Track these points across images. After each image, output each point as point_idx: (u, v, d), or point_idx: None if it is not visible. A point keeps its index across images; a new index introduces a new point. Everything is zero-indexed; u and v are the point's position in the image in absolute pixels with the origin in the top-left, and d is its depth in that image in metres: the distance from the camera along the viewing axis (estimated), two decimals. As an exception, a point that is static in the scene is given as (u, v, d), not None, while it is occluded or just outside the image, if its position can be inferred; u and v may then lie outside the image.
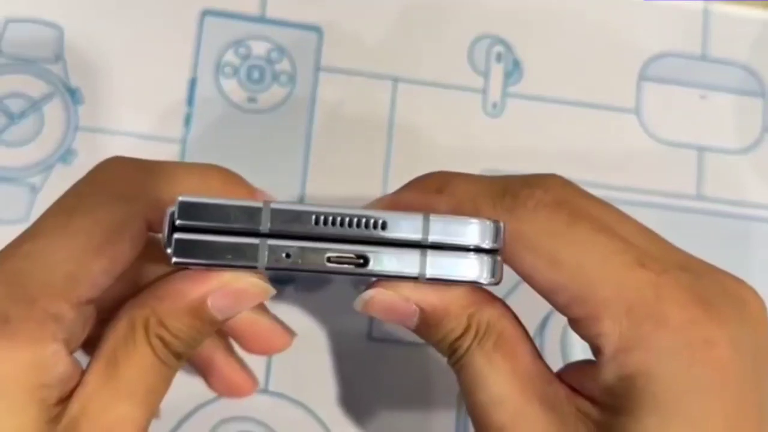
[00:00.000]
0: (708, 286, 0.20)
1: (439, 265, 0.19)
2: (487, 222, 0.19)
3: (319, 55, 0.34)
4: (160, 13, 0.33)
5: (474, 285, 0.20)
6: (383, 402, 0.32)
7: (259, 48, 0.33)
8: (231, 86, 0.33)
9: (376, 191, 0.33)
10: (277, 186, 0.33)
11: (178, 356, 0.21)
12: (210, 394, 0.31)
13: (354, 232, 0.19)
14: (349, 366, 0.32)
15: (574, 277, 0.19)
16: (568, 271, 0.19)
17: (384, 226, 0.19)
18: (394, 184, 0.33)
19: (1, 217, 0.31)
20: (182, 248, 0.18)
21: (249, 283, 0.21)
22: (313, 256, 0.19)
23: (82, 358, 0.21)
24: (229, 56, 0.33)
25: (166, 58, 0.33)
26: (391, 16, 0.34)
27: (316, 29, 0.34)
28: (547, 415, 0.20)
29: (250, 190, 0.24)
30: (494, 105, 0.34)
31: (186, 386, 0.31)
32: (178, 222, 0.18)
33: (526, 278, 0.21)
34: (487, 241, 0.19)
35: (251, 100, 0.33)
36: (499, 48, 0.35)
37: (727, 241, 0.34)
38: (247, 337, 0.29)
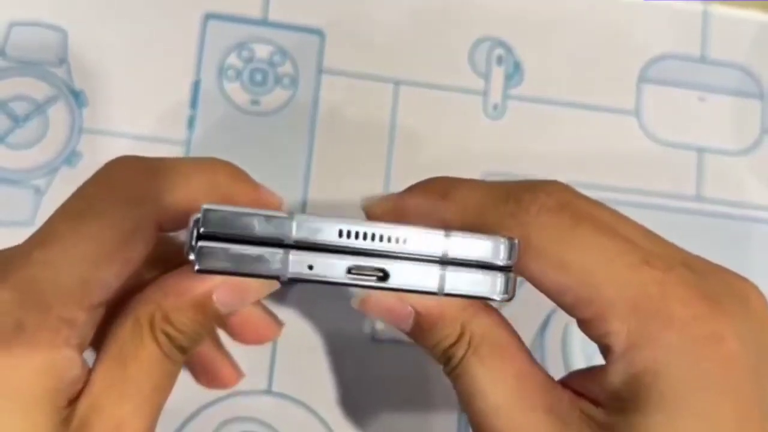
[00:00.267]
0: (712, 283, 0.20)
1: (456, 281, 0.20)
2: (503, 240, 0.20)
3: (322, 57, 0.34)
4: (163, 17, 0.33)
5: (488, 301, 0.20)
6: (386, 403, 0.32)
7: (261, 51, 0.34)
8: (234, 89, 0.33)
9: (377, 193, 0.33)
10: (280, 188, 0.33)
11: (182, 351, 0.21)
12: (213, 395, 0.31)
13: (376, 246, 0.19)
14: (352, 367, 0.32)
15: (580, 279, 0.20)
16: (574, 273, 0.20)
17: (405, 241, 0.19)
18: (396, 186, 0.33)
19: (6, 219, 0.31)
20: (206, 256, 0.18)
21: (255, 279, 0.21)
22: (335, 268, 0.19)
23: (88, 355, 0.22)
24: (232, 59, 0.33)
25: (169, 60, 0.33)
26: (393, 19, 0.34)
27: (318, 32, 0.34)
28: (549, 420, 0.20)
29: (255, 186, 0.24)
30: (495, 107, 0.34)
31: (189, 387, 0.31)
32: (202, 230, 0.18)
33: (533, 281, 0.21)
34: (501, 258, 0.20)
35: (254, 102, 0.33)
36: (499, 50, 0.35)
37: (726, 242, 0.34)
38: (238, 327, 0.29)
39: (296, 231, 0.19)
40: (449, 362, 0.21)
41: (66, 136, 0.32)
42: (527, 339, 0.24)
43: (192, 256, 0.19)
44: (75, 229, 0.20)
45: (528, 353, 0.21)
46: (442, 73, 0.34)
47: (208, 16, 0.33)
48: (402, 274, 0.19)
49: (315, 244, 0.19)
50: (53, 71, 0.32)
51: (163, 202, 0.21)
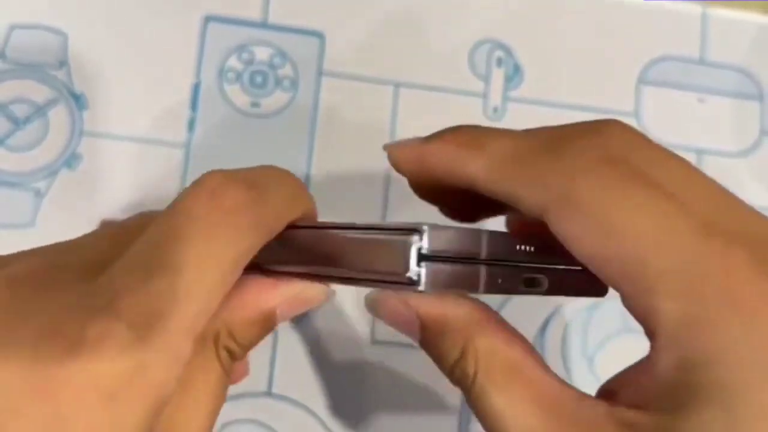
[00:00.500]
0: None
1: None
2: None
3: (322, 60, 0.34)
4: (163, 19, 0.33)
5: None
6: (386, 405, 0.32)
7: (261, 53, 0.34)
8: (234, 91, 0.33)
9: (378, 195, 0.33)
10: (280, 190, 0.33)
11: (234, 360, 0.21)
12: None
13: (532, 259, 0.19)
14: (353, 369, 0.32)
15: (627, 246, 0.17)
16: (620, 238, 0.17)
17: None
18: (397, 188, 0.33)
19: (6, 222, 0.31)
20: (435, 277, 0.18)
21: (320, 291, 0.21)
22: (515, 280, 0.19)
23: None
24: (232, 61, 0.33)
25: (169, 63, 0.33)
26: (393, 21, 0.35)
27: (318, 34, 0.34)
28: None
29: (310, 197, 0.23)
30: (495, 109, 0.34)
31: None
32: (425, 251, 0.17)
33: (572, 245, 0.18)
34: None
35: (254, 104, 0.33)
36: (499, 52, 0.35)
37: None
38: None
39: (488, 246, 0.18)
40: (462, 382, 0.19)
41: (66, 139, 0.32)
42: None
43: (412, 276, 0.17)
44: (198, 257, 0.18)
45: (547, 368, 0.19)
46: (442, 75, 0.34)
47: (208, 19, 0.34)
48: (554, 283, 0.19)
49: (501, 258, 0.19)
50: (53, 74, 0.32)
51: (266, 229, 0.20)
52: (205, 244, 0.18)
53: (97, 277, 0.18)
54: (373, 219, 0.33)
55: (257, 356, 0.31)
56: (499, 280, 0.18)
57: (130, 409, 0.17)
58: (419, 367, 0.32)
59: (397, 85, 0.34)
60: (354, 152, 0.33)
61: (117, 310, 0.16)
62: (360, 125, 0.34)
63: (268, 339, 0.31)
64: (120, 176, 0.32)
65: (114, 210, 0.32)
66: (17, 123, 0.32)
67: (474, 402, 0.19)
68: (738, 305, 0.16)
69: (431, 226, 0.17)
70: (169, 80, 0.33)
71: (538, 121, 0.35)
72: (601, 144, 0.18)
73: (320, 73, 0.34)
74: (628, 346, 0.30)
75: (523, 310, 0.32)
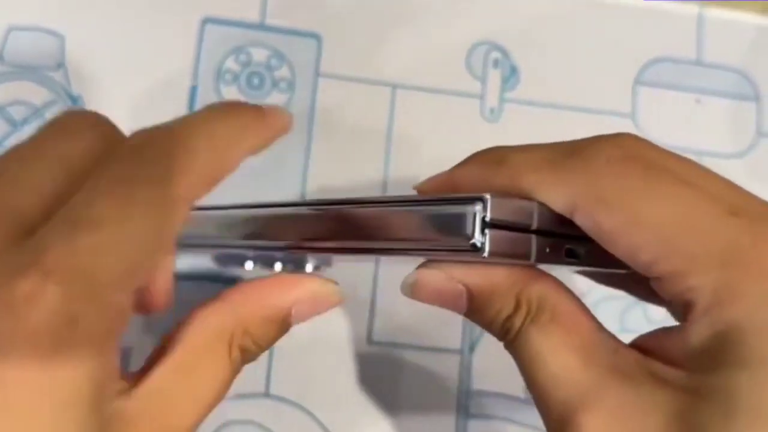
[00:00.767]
0: None
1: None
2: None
3: (319, 61, 0.34)
4: (160, 21, 0.33)
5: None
6: (383, 405, 0.32)
7: (259, 55, 0.34)
8: (231, 93, 0.33)
9: (375, 195, 0.33)
10: (277, 191, 0.33)
11: (246, 361, 0.22)
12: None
13: (571, 231, 0.20)
14: (350, 369, 0.32)
15: (659, 232, 0.18)
16: (651, 226, 0.18)
17: None
18: (394, 189, 0.33)
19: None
20: (496, 244, 0.18)
21: (334, 290, 0.22)
22: (559, 251, 0.20)
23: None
24: (230, 63, 0.33)
25: (167, 65, 0.33)
26: (390, 23, 0.35)
27: (315, 36, 0.34)
28: (616, 382, 0.19)
29: (260, 115, 0.22)
30: (492, 110, 0.35)
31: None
32: (490, 218, 0.18)
33: (603, 239, 0.19)
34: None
35: (251, 106, 0.33)
36: (496, 54, 0.35)
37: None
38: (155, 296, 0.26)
39: (538, 217, 0.19)
40: (507, 334, 0.20)
41: (64, 141, 0.32)
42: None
43: (476, 243, 0.18)
44: (122, 211, 0.18)
45: (591, 316, 0.20)
46: (439, 76, 0.34)
47: (206, 20, 0.34)
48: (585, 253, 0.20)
49: (552, 229, 0.19)
50: (51, 76, 0.32)
51: (192, 179, 0.20)
52: (118, 196, 0.18)
53: (32, 235, 0.18)
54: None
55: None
56: (547, 250, 0.19)
57: (67, 366, 0.17)
58: (416, 367, 0.32)
59: (394, 87, 0.34)
60: (351, 153, 0.33)
61: (44, 267, 0.17)
62: (357, 127, 0.34)
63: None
64: (117, 178, 0.32)
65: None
66: (14, 125, 0.32)
67: (517, 349, 0.20)
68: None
69: (492, 195, 0.18)
70: (166, 82, 0.33)
71: (534, 122, 0.35)
72: (618, 145, 0.19)
73: (317, 74, 0.34)
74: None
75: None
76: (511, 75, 0.35)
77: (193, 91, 0.33)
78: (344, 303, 0.32)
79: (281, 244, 0.22)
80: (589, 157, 0.19)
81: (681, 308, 0.19)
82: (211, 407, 0.21)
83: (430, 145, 0.34)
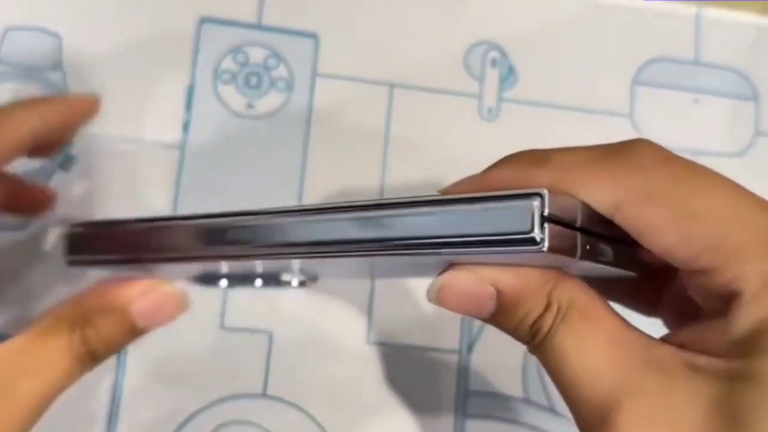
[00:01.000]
0: None
1: None
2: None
3: (316, 61, 0.34)
4: (158, 21, 0.33)
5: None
6: (381, 405, 0.32)
7: (256, 54, 0.34)
8: (229, 92, 0.33)
9: (373, 195, 0.33)
10: (275, 191, 0.33)
11: (92, 356, 0.23)
12: (207, 399, 0.31)
13: (607, 230, 0.20)
14: (347, 370, 0.32)
15: (707, 225, 0.19)
16: (699, 219, 0.19)
17: None
18: (391, 188, 0.33)
19: (2, 223, 0.31)
20: (553, 239, 0.19)
21: (169, 291, 0.23)
22: (595, 249, 0.20)
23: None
24: (227, 63, 0.33)
25: (164, 65, 0.33)
26: (387, 23, 0.35)
27: (312, 36, 0.34)
28: (651, 375, 0.19)
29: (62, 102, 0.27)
30: (490, 110, 0.35)
31: (183, 392, 0.31)
32: (549, 213, 0.18)
33: (650, 235, 0.19)
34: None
35: (249, 106, 0.33)
36: (494, 54, 0.35)
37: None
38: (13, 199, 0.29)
39: (581, 215, 0.19)
40: (536, 336, 0.20)
41: (61, 141, 0.32)
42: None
43: (539, 237, 0.18)
44: None
45: (618, 314, 0.20)
46: (437, 76, 0.34)
47: (203, 20, 0.34)
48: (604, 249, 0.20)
49: (592, 228, 0.20)
50: (48, 76, 0.32)
51: None
52: None
53: None
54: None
55: (252, 357, 0.31)
56: (587, 247, 0.20)
57: None
58: (414, 367, 0.32)
59: (392, 87, 0.34)
60: (349, 153, 0.33)
61: None
62: (355, 126, 0.34)
63: (263, 340, 0.31)
64: (115, 178, 0.32)
65: (108, 212, 0.32)
66: (12, 125, 0.32)
67: (546, 350, 0.20)
68: None
69: (549, 191, 0.18)
70: (163, 82, 0.33)
71: (532, 121, 0.35)
72: (654, 147, 0.20)
73: (315, 74, 0.34)
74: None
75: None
76: (509, 75, 0.35)
77: (191, 90, 0.33)
78: (340, 303, 0.32)
79: (304, 249, 0.22)
80: (633, 156, 0.20)
81: (722, 300, 0.19)
82: (52, 389, 0.23)
83: (428, 144, 0.34)
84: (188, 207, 0.32)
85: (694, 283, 0.20)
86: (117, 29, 0.33)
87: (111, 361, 0.31)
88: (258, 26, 0.34)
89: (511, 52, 0.35)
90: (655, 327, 0.22)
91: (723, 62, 0.36)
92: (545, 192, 0.18)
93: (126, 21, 0.33)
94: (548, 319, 0.20)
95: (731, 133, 0.36)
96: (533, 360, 0.32)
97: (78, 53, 0.33)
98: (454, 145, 0.34)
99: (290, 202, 0.33)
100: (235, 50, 0.33)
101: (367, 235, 0.20)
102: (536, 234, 0.18)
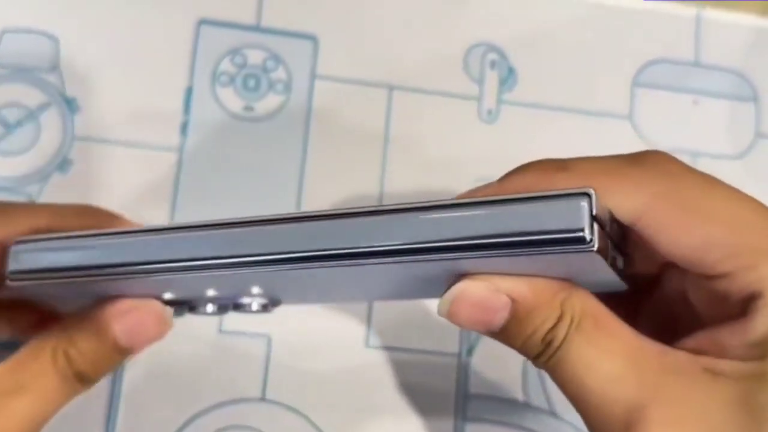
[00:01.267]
0: None
1: None
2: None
3: (315, 63, 0.34)
4: (156, 23, 0.33)
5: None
6: (380, 409, 0.32)
7: (254, 56, 0.33)
8: (227, 95, 0.33)
9: (372, 198, 0.33)
10: (273, 194, 0.33)
11: (80, 376, 0.23)
12: (206, 403, 0.31)
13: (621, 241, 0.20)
14: (346, 373, 0.32)
15: (730, 231, 0.19)
16: (722, 223, 0.19)
17: None
18: (391, 191, 0.33)
19: None
20: (601, 239, 0.19)
21: (151, 309, 0.23)
22: (615, 254, 0.20)
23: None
24: (225, 65, 0.33)
25: (162, 67, 0.33)
26: (386, 25, 0.34)
27: (311, 37, 0.34)
28: (671, 382, 0.19)
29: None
30: (489, 112, 0.34)
31: (181, 397, 0.31)
32: (596, 214, 0.18)
33: (672, 241, 0.20)
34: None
35: (247, 108, 0.33)
36: (493, 55, 0.35)
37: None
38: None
39: (608, 220, 0.19)
40: (549, 347, 0.20)
41: (58, 143, 0.32)
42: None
43: (589, 236, 0.18)
44: None
45: (628, 326, 0.21)
46: (436, 78, 0.34)
47: (201, 22, 0.33)
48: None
49: (614, 238, 0.20)
50: (45, 78, 0.32)
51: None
52: None
53: None
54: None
55: (250, 362, 0.31)
56: (609, 250, 0.19)
57: None
58: (414, 370, 0.32)
59: (391, 89, 0.34)
60: (348, 155, 0.33)
61: None
62: (354, 128, 0.34)
63: (261, 344, 0.31)
64: (112, 180, 0.32)
65: (106, 214, 0.31)
66: (8, 127, 0.32)
67: (559, 362, 0.20)
68: None
69: (595, 191, 0.18)
70: (162, 84, 0.33)
71: (532, 123, 0.35)
72: (671, 157, 0.20)
73: (313, 76, 0.34)
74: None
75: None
76: (508, 76, 0.35)
77: (189, 92, 0.33)
78: (339, 307, 0.32)
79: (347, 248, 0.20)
80: (654, 165, 0.20)
81: (737, 305, 0.20)
82: (41, 411, 0.23)
83: (428, 146, 0.34)
84: (186, 209, 0.32)
85: (707, 289, 0.20)
86: (114, 31, 0.33)
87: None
88: (256, 28, 0.34)
89: (510, 53, 0.35)
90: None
91: (723, 63, 0.36)
92: (593, 192, 0.18)
93: (123, 23, 0.33)
94: (562, 330, 0.20)
95: (731, 135, 0.36)
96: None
97: (75, 55, 0.33)
98: (454, 147, 0.34)
99: (289, 204, 0.33)
100: (234, 52, 0.33)
101: (417, 237, 0.19)
102: (587, 233, 0.18)
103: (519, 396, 0.32)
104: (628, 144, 0.35)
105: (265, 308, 0.25)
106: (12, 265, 0.22)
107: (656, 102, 0.35)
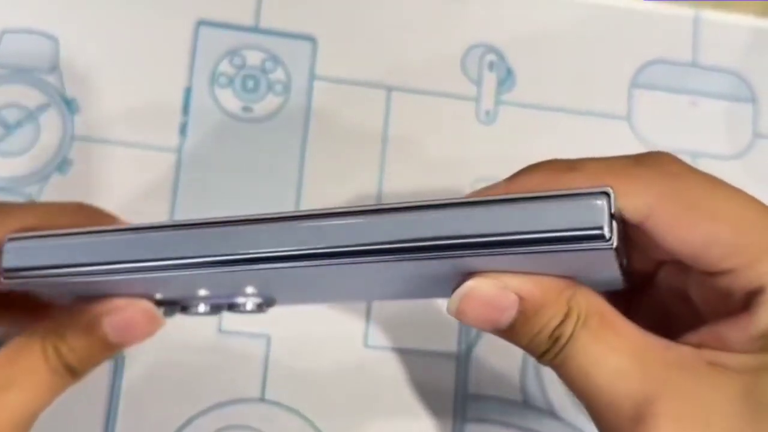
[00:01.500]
0: None
1: None
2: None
3: (314, 64, 0.34)
4: (155, 24, 0.33)
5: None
6: (379, 410, 0.32)
7: (253, 57, 0.34)
8: (226, 96, 0.33)
9: (370, 199, 0.33)
10: (272, 194, 0.33)
11: (70, 370, 0.23)
12: (205, 403, 0.31)
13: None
14: (345, 374, 0.32)
15: (733, 227, 0.20)
16: (727, 221, 0.20)
17: None
18: (389, 192, 0.33)
19: None
20: (618, 236, 0.19)
21: (142, 307, 0.23)
22: (622, 253, 0.20)
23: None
24: (224, 66, 0.33)
25: (161, 67, 0.33)
26: (385, 25, 0.35)
27: (310, 38, 0.34)
28: (676, 377, 0.20)
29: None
30: (487, 113, 0.34)
31: (180, 397, 0.31)
32: (614, 212, 0.19)
33: (678, 239, 0.20)
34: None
35: (246, 109, 0.33)
36: (491, 56, 0.35)
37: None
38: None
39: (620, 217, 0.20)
40: (555, 344, 0.21)
41: (57, 144, 0.32)
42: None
43: (609, 234, 0.19)
44: None
45: (631, 322, 0.21)
46: (435, 79, 0.34)
47: (200, 23, 0.33)
48: None
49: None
50: (45, 78, 0.32)
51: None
52: None
53: None
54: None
55: (250, 362, 0.31)
56: (621, 248, 0.20)
57: None
58: (413, 371, 0.32)
59: (390, 89, 0.34)
60: (347, 156, 0.33)
61: None
62: (352, 129, 0.34)
63: (260, 344, 0.31)
64: (112, 181, 0.32)
65: (105, 215, 0.31)
66: (8, 127, 0.32)
67: (566, 359, 0.20)
68: None
69: (612, 189, 0.19)
70: (160, 84, 0.33)
71: (530, 124, 0.35)
72: (676, 158, 0.21)
73: (312, 77, 0.34)
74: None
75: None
76: (506, 77, 0.35)
77: (188, 93, 0.33)
78: (338, 307, 0.32)
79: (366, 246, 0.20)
80: (660, 165, 0.20)
81: (744, 298, 0.20)
82: (33, 404, 0.23)
83: (426, 147, 0.34)
84: (186, 209, 0.32)
85: (710, 285, 0.21)
86: (114, 32, 0.33)
87: (108, 366, 0.31)
88: (255, 29, 0.34)
89: (508, 54, 0.35)
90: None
91: (721, 64, 0.36)
92: (611, 190, 0.19)
93: (123, 23, 0.33)
94: (569, 327, 0.20)
95: (729, 136, 0.36)
96: (532, 363, 0.32)
97: (75, 56, 0.33)
98: (452, 148, 0.34)
99: (288, 205, 0.33)
100: (232, 53, 0.33)
101: (433, 233, 0.19)
102: (606, 231, 0.18)
103: (518, 396, 0.32)
104: (627, 145, 0.35)
105: (260, 308, 0.25)
106: (3, 262, 0.22)
107: (654, 103, 0.35)
